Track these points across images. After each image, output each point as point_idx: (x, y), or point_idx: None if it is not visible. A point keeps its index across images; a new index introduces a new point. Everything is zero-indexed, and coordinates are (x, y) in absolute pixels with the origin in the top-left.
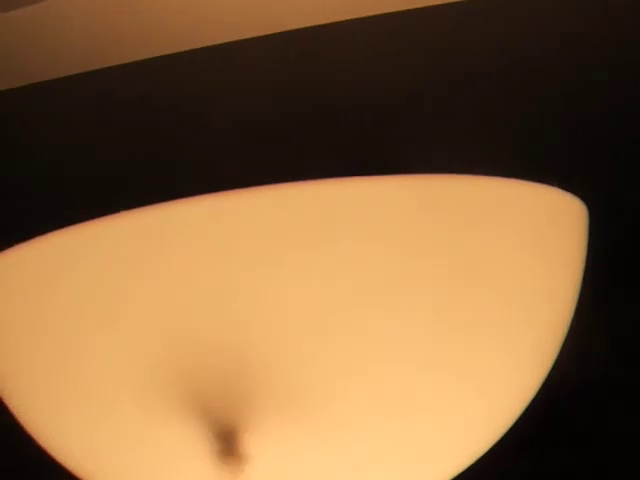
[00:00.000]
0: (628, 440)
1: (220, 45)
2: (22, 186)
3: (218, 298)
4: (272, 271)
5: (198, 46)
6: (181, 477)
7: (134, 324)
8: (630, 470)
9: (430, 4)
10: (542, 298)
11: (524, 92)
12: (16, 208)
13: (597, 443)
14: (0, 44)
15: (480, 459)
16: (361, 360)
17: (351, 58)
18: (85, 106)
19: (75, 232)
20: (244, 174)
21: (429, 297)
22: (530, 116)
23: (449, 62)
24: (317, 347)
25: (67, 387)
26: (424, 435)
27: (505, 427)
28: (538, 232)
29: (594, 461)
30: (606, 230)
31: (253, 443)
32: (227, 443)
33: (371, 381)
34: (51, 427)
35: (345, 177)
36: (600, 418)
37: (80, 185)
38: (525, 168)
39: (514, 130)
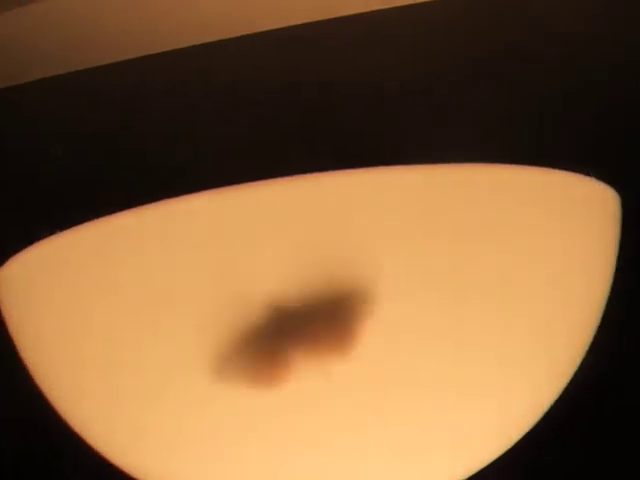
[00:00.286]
0: None
1: (218, 42)
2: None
3: (253, 285)
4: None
5: (196, 43)
6: None
7: (175, 313)
8: None
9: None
10: (575, 286)
11: (553, 80)
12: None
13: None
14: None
15: (507, 451)
16: (399, 345)
17: (352, 55)
18: (81, 103)
19: (110, 223)
20: (248, 169)
21: (470, 282)
22: (557, 105)
23: (460, 50)
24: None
25: (110, 379)
26: (462, 420)
27: (539, 414)
28: (572, 221)
29: (622, 457)
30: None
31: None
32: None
33: (410, 366)
34: (95, 423)
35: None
36: (629, 413)
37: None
38: (554, 158)
39: (539, 121)
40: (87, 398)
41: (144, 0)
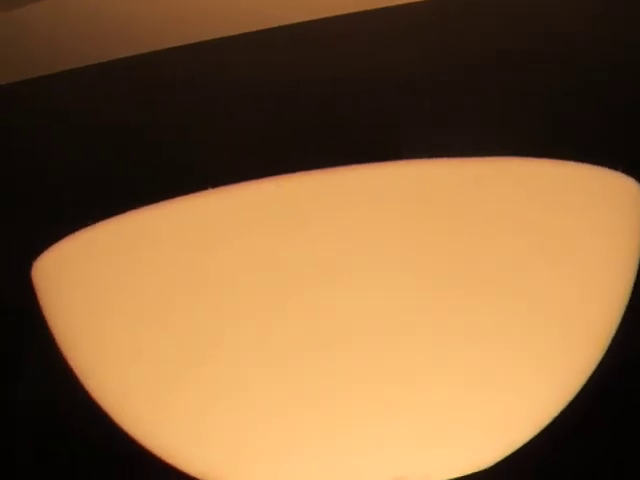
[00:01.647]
0: None
1: (220, 39)
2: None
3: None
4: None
5: (208, 38)
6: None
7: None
8: None
9: None
10: (597, 278)
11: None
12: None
13: None
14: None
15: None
16: (425, 337)
17: (357, 50)
18: (90, 98)
19: (141, 216)
20: (258, 163)
21: (488, 274)
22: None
23: (468, 47)
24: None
25: (134, 362)
26: (486, 410)
27: (560, 407)
28: (595, 213)
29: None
30: None
31: None
32: None
33: (435, 358)
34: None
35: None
36: None
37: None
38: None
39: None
40: (114, 378)
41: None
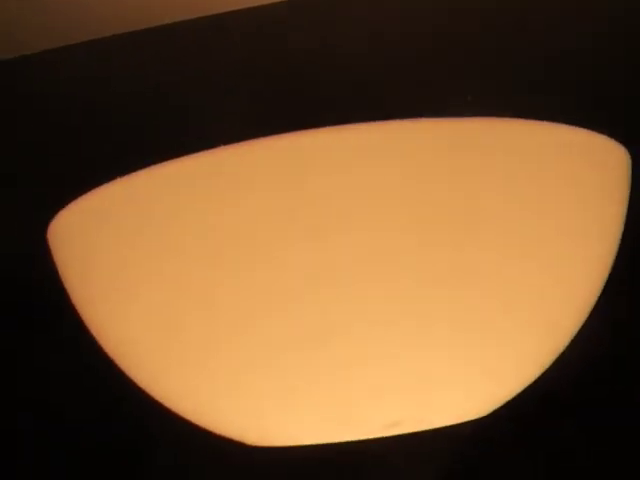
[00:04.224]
0: None
1: (224, 13)
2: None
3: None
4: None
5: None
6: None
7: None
8: None
9: None
10: (586, 237)
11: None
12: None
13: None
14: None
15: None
16: (424, 282)
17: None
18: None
19: (152, 174)
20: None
21: (488, 229)
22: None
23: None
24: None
25: (149, 314)
26: (483, 357)
27: (555, 355)
28: (585, 174)
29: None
30: None
31: None
32: None
33: (432, 304)
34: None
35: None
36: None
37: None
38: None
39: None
40: (127, 330)
41: None
